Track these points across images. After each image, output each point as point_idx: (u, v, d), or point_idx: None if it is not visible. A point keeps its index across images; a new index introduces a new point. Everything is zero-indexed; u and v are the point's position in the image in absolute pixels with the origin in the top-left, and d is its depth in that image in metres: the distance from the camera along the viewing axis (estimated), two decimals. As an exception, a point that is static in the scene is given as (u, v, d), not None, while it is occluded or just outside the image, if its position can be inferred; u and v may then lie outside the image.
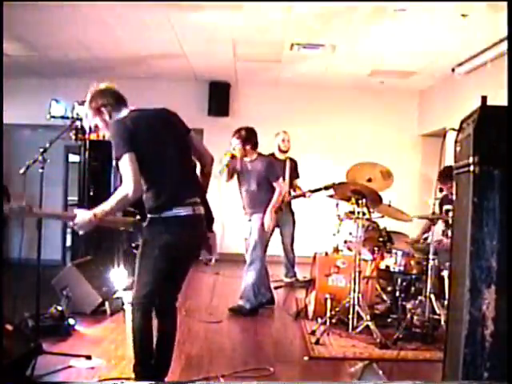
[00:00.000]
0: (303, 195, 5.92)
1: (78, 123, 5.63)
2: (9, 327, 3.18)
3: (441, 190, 4.81)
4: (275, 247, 6.03)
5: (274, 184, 4.92)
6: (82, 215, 2.57)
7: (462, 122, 2.51)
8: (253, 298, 4.89)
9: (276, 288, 6.13)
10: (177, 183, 2.75)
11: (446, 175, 4.35)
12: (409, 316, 4.13)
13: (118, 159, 2.59)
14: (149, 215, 2.74)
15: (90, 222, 2.56)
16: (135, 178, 2.56)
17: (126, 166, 2.56)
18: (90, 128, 2.97)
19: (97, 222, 2.57)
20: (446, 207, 4.76)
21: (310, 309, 4.74)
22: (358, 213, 4.40)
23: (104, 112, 2.79)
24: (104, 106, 2.79)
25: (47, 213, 3.18)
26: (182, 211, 2.70)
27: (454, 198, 2.69)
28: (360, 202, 4.39)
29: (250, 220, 4.98)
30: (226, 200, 5.79)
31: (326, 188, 4.94)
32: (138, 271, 2.78)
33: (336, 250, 4.87)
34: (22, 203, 2.62)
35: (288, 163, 6.29)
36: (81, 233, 2.60)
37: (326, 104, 8.45)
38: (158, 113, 3.01)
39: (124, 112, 2.82)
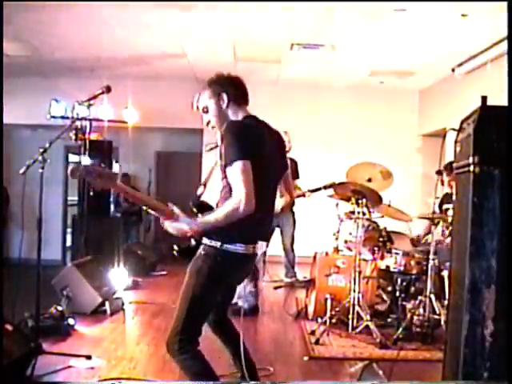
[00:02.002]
0: (303, 195, 5.90)
1: (78, 123, 5.64)
2: (9, 327, 3.18)
3: (442, 183, 4.73)
4: (275, 247, 6.03)
5: None
6: (183, 222, 2.31)
7: (462, 122, 2.51)
8: (251, 297, 4.89)
9: (276, 288, 6.13)
10: (262, 217, 2.39)
11: (451, 168, 4.31)
12: (409, 316, 4.13)
13: (228, 165, 2.23)
14: (208, 240, 2.35)
15: (186, 233, 2.32)
16: (250, 191, 2.18)
17: (240, 174, 2.19)
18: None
19: (191, 235, 2.34)
20: (445, 206, 4.76)
21: (310, 309, 4.74)
22: (358, 213, 4.40)
23: (223, 98, 2.47)
24: (226, 93, 2.47)
25: (141, 196, 2.52)
26: (240, 248, 2.35)
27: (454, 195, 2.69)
28: (360, 202, 4.39)
29: None
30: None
31: (326, 187, 4.93)
32: (190, 302, 2.35)
33: (336, 250, 4.86)
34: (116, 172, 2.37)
35: (288, 164, 6.28)
36: (173, 233, 2.34)
37: (326, 104, 8.46)
38: (275, 134, 2.59)
39: (241, 112, 2.51)
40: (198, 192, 2.65)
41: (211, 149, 4.66)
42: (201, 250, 2.38)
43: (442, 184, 4.75)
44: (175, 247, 2.47)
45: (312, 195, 5.63)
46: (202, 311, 2.42)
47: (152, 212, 2.39)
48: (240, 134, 2.31)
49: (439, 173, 4.27)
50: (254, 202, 2.19)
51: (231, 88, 2.50)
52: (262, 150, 2.35)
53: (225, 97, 2.47)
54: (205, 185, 2.65)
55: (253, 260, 2.49)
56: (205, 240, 2.37)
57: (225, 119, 2.48)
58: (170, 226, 2.35)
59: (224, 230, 2.28)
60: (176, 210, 2.35)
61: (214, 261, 2.34)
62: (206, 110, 2.51)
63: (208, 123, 2.54)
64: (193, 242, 2.44)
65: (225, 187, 2.35)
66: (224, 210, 2.23)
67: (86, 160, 2.43)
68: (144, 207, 2.42)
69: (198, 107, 2.56)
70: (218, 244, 2.33)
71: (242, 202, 2.17)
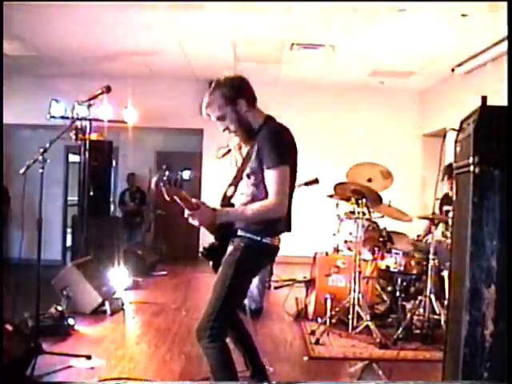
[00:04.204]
0: None
1: (78, 123, 5.65)
2: (9, 327, 3.18)
3: (442, 180, 4.70)
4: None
5: None
6: (207, 210, 2.39)
7: (461, 122, 2.51)
8: (258, 297, 4.88)
9: (276, 288, 6.13)
10: (288, 212, 2.54)
11: (450, 171, 4.30)
12: (409, 316, 4.13)
13: (270, 168, 2.35)
14: (249, 234, 2.47)
15: (211, 221, 2.41)
16: (286, 197, 2.37)
17: (281, 179, 2.35)
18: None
19: (214, 223, 2.42)
20: (445, 208, 4.76)
21: (310, 309, 4.74)
22: (358, 213, 4.40)
23: (241, 104, 2.48)
24: (242, 98, 2.48)
25: (185, 195, 2.44)
26: (273, 241, 2.52)
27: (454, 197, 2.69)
28: (360, 202, 4.39)
29: None
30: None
31: (307, 184, 4.94)
32: (227, 290, 2.43)
33: (336, 250, 4.87)
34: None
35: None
36: (196, 224, 2.41)
37: (325, 104, 8.45)
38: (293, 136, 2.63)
39: (258, 113, 2.54)
40: (229, 193, 2.65)
41: (224, 155, 4.65)
42: (239, 242, 2.49)
43: (442, 181, 4.70)
44: (201, 249, 2.61)
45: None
46: (237, 300, 2.59)
47: (186, 207, 2.42)
48: (282, 140, 2.43)
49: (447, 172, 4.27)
50: (286, 206, 2.38)
51: (246, 92, 2.52)
52: (294, 155, 2.50)
53: (243, 103, 2.48)
54: (235, 186, 2.64)
55: (277, 252, 2.63)
56: (243, 233, 2.49)
57: (246, 124, 2.51)
58: (193, 218, 2.39)
59: (264, 226, 2.44)
60: (197, 202, 2.42)
61: (253, 253, 2.48)
62: (222, 119, 2.51)
63: (226, 129, 2.55)
64: (215, 241, 2.60)
65: (252, 191, 2.47)
66: (262, 209, 2.38)
67: (165, 170, 2.42)
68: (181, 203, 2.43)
69: (208, 115, 2.55)
70: (258, 238, 2.46)
71: (280, 206, 2.35)
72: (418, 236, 5.10)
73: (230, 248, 2.53)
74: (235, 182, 2.61)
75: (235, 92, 2.47)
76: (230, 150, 4.05)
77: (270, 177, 2.36)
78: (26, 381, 3.09)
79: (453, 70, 6.67)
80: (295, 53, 6.49)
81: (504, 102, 2.76)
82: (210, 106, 2.51)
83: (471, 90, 6.01)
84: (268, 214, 2.38)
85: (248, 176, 2.50)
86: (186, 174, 2.57)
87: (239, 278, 2.46)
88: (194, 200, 2.45)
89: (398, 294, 4.49)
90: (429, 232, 4.70)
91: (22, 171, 3.16)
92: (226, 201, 2.59)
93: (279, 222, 2.47)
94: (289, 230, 2.62)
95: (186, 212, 2.42)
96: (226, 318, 2.49)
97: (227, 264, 2.48)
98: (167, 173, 2.31)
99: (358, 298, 4.20)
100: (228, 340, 2.53)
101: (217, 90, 2.48)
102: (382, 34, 5.69)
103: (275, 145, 2.37)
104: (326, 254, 4.80)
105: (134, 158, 9.24)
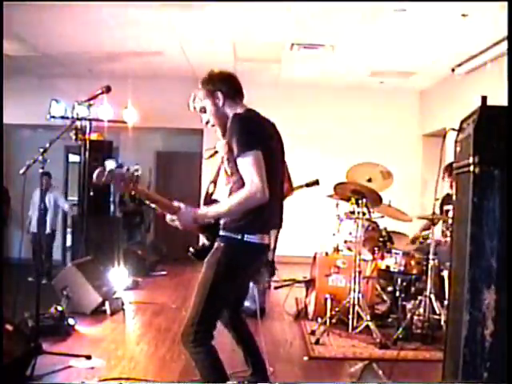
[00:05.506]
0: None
1: (78, 123, 5.65)
2: (9, 327, 3.18)
3: (443, 178, 4.69)
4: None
5: None
6: (186, 212, 2.36)
7: (462, 122, 2.51)
8: (258, 297, 4.87)
9: (276, 288, 6.13)
10: (273, 207, 2.47)
11: (451, 170, 4.29)
12: (409, 316, 4.13)
13: (239, 156, 2.27)
14: (229, 233, 2.40)
15: (192, 222, 2.37)
16: (263, 180, 2.23)
17: (253, 164, 2.24)
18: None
19: (197, 224, 2.38)
20: (446, 207, 4.75)
21: (310, 309, 4.74)
22: (358, 213, 4.40)
23: (219, 96, 2.49)
24: (221, 91, 2.49)
25: (154, 196, 2.51)
26: (259, 239, 2.42)
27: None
28: (360, 201, 4.39)
29: None
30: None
31: (308, 185, 4.93)
32: (209, 292, 2.39)
33: (336, 250, 4.86)
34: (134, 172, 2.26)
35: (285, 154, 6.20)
36: (180, 228, 2.40)
37: (325, 104, 8.45)
38: (274, 126, 2.62)
39: (239, 107, 2.52)
40: (210, 190, 2.64)
41: (211, 156, 4.64)
42: (220, 242, 2.42)
43: (443, 179, 4.69)
44: (190, 248, 2.54)
45: (293, 193, 5.57)
46: (220, 303, 2.46)
47: (165, 211, 2.43)
48: (248, 126, 2.36)
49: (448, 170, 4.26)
50: (267, 191, 2.24)
51: (225, 85, 2.53)
52: (267, 141, 2.41)
53: (220, 95, 2.49)
54: (215, 183, 2.64)
55: (267, 250, 2.56)
56: (223, 232, 2.42)
57: (224, 116, 2.50)
58: (174, 222, 2.40)
59: (244, 222, 2.35)
60: (177, 203, 2.41)
61: (235, 252, 2.40)
62: (203, 110, 2.55)
63: (207, 122, 2.57)
64: (206, 242, 2.52)
65: (233, 184, 2.40)
66: (238, 199, 2.27)
67: (110, 164, 2.36)
68: (156, 207, 2.44)
69: (194, 108, 2.60)
70: (239, 236, 2.37)
71: (257, 192, 2.22)
72: (416, 237, 5.09)
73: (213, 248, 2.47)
74: (215, 179, 2.61)
75: (214, 85, 2.51)
76: (216, 152, 4.04)
77: (242, 165, 2.28)
78: (25, 381, 3.09)
79: (453, 70, 6.66)
80: (295, 53, 6.49)
81: (504, 102, 2.76)
82: (195, 99, 2.58)
83: (471, 90, 6.01)
84: (246, 203, 2.25)
85: (225, 169, 2.48)
86: (137, 169, 2.49)
87: (221, 279, 2.38)
88: (175, 202, 2.42)
89: (397, 294, 4.49)
90: (428, 228, 4.69)
91: (21, 171, 3.16)
92: (208, 199, 2.56)
93: (262, 218, 2.37)
94: (278, 226, 2.58)
95: (168, 217, 2.42)
96: (210, 321, 2.41)
97: (208, 265, 2.42)
98: (109, 167, 2.22)
99: (358, 298, 4.20)
100: (229, 341, 2.53)
101: (201, 83, 2.55)
102: (382, 34, 5.69)
103: (240, 132, 2.32)
104: (326, 254, 4.80)
105: (134, 158, 9.24)
